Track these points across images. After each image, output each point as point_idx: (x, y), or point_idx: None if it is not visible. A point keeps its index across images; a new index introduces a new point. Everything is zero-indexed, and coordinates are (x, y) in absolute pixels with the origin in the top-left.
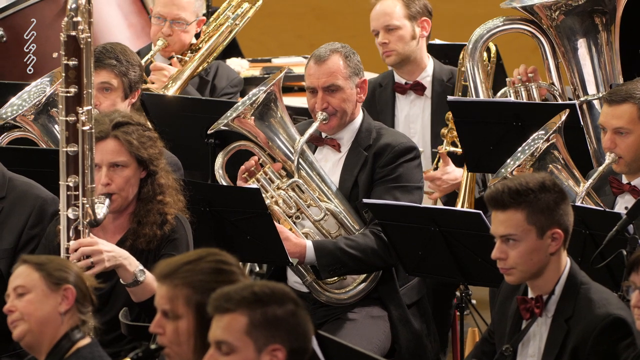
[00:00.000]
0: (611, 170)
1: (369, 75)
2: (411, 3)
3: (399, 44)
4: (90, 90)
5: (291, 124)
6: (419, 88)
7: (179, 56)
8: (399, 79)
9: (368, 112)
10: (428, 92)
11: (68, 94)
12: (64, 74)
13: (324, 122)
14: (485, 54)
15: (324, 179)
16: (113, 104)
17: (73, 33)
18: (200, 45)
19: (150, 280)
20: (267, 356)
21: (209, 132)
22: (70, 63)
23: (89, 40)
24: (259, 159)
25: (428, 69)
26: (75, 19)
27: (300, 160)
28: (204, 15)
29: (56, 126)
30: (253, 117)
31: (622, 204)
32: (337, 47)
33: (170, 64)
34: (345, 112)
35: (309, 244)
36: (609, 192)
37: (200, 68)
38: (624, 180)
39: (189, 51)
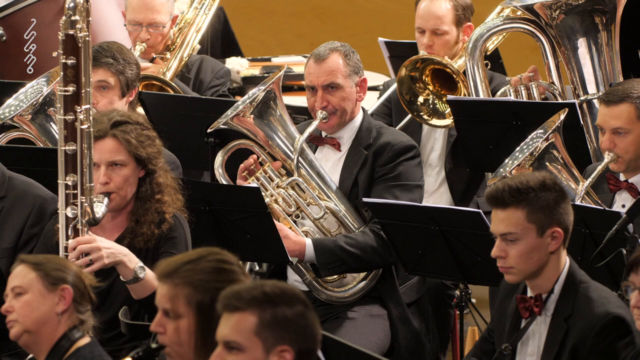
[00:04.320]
0: (608, 168)
1: (368, 75)
2: (459, 6)
3: (443, 49)
4: (88, 89)
5: (291, 122)
6: None
7: (161, 55)
8: None
9: (397, 114)
10: None
11: (66, 93)
12: (62, 73)
13: (324, 120)
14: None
15: (323, 178)
16: (110, 102)
17: (71, 32)
18: (175, 44)
19: (150, 277)
20: (275, 357)
21: (208, 130)
22: (69, 62)
23: (87, 39)
24: (258, 158)
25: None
26: (73, 18)
27: (300, 158)
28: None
29: (53, 125)
30: (252, 116)
31: (620, 202)
32: (336, 46)
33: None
34: (345, 110)
35: (308, 242)
36: (606, 189)
37: (182, 64)
38: (622, 177)
39: (167, 50)
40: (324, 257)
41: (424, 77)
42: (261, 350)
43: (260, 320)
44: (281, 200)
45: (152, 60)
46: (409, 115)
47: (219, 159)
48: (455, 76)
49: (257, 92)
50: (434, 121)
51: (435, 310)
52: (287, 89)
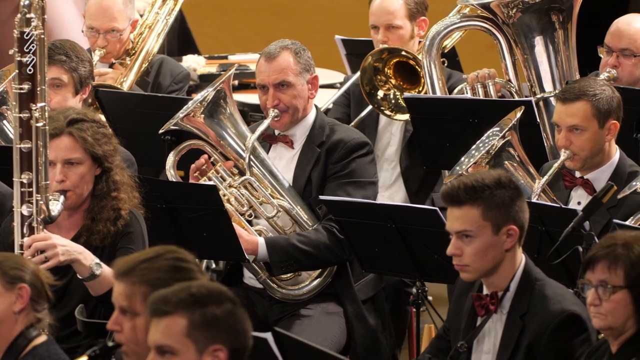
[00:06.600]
0: (564, 165)
1: (321, 72)
2: (412, 1)
3: (398, 44)
4: (44, 87)
5: (242, 121)
6: None
7: (120, 61)
8: None
9: (356, 109)
10: None
11: (22, 91)
12: (17, 71)
13: (276, 119)
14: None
15: (275, 176)
16: (64, 99)
17: (26, 29)
18: (136, 49)
19: (107, 273)
20: (209, 357)
21: (160, 131)
22: (24, 59)
23: (43, 36)
24: (210, 158)
25: None
26: (28, 16)
27: (252, 157)
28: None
29: (6, 123)
30: (203, 116)
31: (576, 199)
32: (287, 44)
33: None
34: (297, 108)
35: (261, 240)
36: (562, 187)
37: (142, 69)
38: (577, 174)
39: (127, 55)
40: (276, 256)
41: (386, 69)
42: (194, 351)
43: (190, 322)
44: (234, 200)
45: (111, 66)
46: (367, 109)
47: (170, 160)
48: (419, 69)
49: (206, 92)
50: (398, 116)
51: (393, 307)
52: (244, 87)
